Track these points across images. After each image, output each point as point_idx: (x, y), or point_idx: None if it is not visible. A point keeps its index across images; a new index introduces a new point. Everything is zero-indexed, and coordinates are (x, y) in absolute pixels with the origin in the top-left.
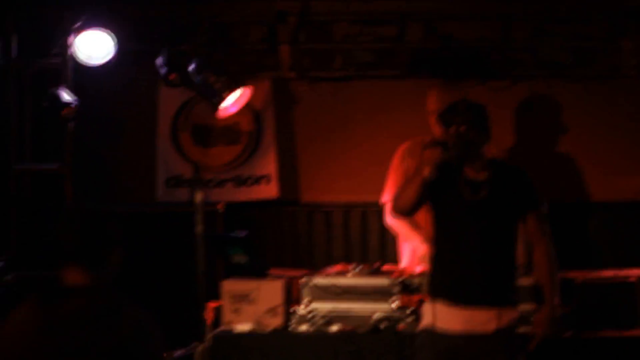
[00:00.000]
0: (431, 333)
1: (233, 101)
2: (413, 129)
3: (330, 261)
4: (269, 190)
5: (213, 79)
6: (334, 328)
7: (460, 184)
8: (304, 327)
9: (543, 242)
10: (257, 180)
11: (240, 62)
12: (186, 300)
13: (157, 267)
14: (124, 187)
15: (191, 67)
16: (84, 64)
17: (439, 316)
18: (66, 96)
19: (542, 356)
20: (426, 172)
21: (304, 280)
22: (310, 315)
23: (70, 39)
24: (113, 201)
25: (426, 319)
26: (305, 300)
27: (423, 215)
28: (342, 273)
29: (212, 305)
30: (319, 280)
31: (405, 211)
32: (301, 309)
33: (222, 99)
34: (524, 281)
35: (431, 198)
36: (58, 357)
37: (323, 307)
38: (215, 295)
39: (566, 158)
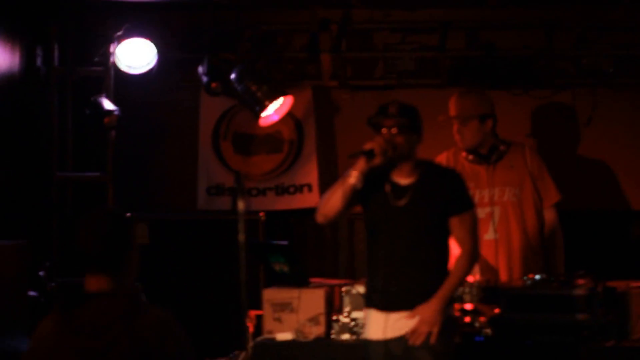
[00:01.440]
0: (366, 343)
1: (275, 110)
2: (454, 137)
3: None
4: (311, 199)
5: (255, 87)
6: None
7: (385, 189)
8: (345, 336)
9: (467, 245)
10: (299, 189)
11: (282, 70)
12: (228, 308)
13: (198, 275)
14: (166, 196)
15: (233, 76)
16: (126, 72)
17: (368, 325)
18: (108, 104)
19: None
20: (352, 180)
21: (345, 289)
22: (352, 324)
23: (113, 47)
24: (155, 209)
25: (365, 329)
26: (347, 309)
27: None
28: None
29: (253, 313)
30: (360, 289)
31: (329, 217)
32: (343, 318)
33: (264, 108)
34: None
35: (361, 203)
36: (79, 359)
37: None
38: (257, 303)
39: (609, 167)
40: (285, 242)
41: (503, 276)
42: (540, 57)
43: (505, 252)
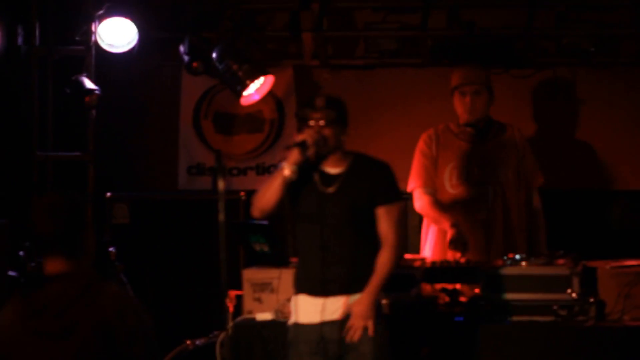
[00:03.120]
0: (297, 327)
1: (255, 89)
2: (436, 116)
3: None
4: None
5: (236, 67)
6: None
7: (315, 178)
8: None
9: (390, 239)
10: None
11: (263, 49)
12: (207, 288)
13: (178, 254)
14: (147, 175)
15: (214, 55)
16: (107, 51)
17: (301, 309)
18: (89, 83)
19: (563, 345)
20: (286, 172)
21: None
22: None
23: (93, 26)
24: (135, 189)
25: (293, 314)
26: None
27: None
28: None
29: (233, 293)
30: None
31: (266, 211)
32: None
33: (245, 87)
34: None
35: (290, 194)
36: (41, 341)
37: None
38: (237, 283)
39: (589, 146)
40: (265, 222)
41: (480, 256)
42: (521, 37)
43: (497, 233)
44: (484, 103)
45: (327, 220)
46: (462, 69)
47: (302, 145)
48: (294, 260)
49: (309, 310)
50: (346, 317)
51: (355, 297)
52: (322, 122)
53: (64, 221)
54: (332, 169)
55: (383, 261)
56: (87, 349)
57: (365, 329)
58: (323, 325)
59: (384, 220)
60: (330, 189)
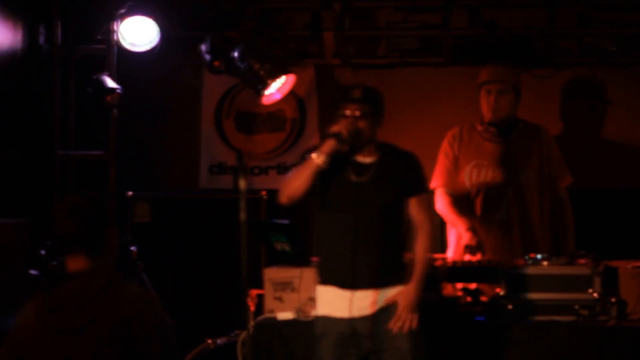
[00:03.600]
0: (325, 319)
1: (277, 88)
2: (457, 115)
3: None
4: None
5: (257, 66)
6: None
7: (348, 168)
8: None
9: (425, 228)
10: None
11: (285, 48)
12: (229, 287)
13: (200, 253)
14: (168, 174)
15: (235, 54)
16: (129, 50)
17: (329, 302)
18: (110, 83)
19: (584, 344)
20: (319, 161)
21: None
22: None
23: (115, 25)
24: (157, 188)
25: (323, 305)
26: None
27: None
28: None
29: (254, 292)
30: None
31: (294, 198)
32: None
33: (266, 86)
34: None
35: (320, 185)
36: (59, 337)
37: None
38: (258, 283)
39: (610, 145)
40: (286, 221)
41: (509, 256)
42: (542, 36)
43: (515, 232)
44: (508, 103)
45: (359, 209)
46: (491, 67)
47: (337, 137)
48: (314, 259)
49: (337, 303)
50: (379, 311)
51: (386, 291)
52: (357, 113)
53: (86, 221)
54: (364, 159)
55: (423, 249)
56: (105, 346)
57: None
58: (354, 320)
59: (418, 209)
60: (363, 178)
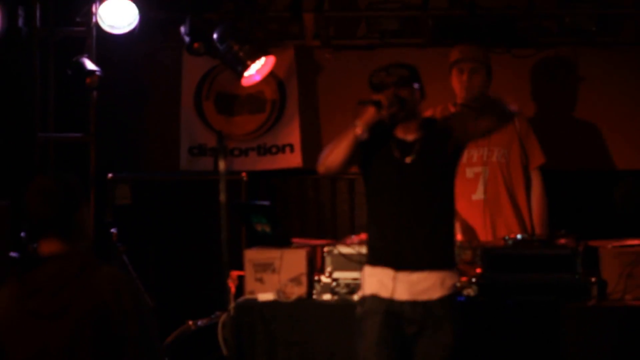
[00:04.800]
0: (372, 299)
1: (257, 70)
2: (438, 96)
3: (353, 230)
4: (293, 159)
5: (237, 47)
6: (357, 297)
7: (391, 144)
8: (326, 297)
9: None
10: (281, 149)
11: (264, 30)
12: (209, 269)
13: (181, 235)
14: (148, 156)
15: (215, 35)
16: (108, 32)
17: (384, 283)
18: (89, 65)
19: (565, 324)
20: (358, 130)
21: (326, 249)
22: (332, 285)
23: (94, 7)
24: (137, 170)
25: (371, 286)
26: (329, 269)
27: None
28: (364, 242)
29: (235, 274)
30: (342, 249)
31: (331, 169)
32: (324, 278)
33: (246, 67)
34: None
35: (361, 160)
36: (36, 321)
37: (346, 276)
38: (239, 264)
39: (591, 126)
40: (267, 203)
41: (489, 237)
42: (522, 16)
43: (492, 213)
44: (480, 81)
45: (405, 189)
46: (462, 46)
47: (377, 105)
48: (295, 240)
49: (385, 283)
50: (440, 298)
51: (436, 274)
52: (397, 83)
53: (57, 203)
54: (407, 136)
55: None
56: (82, 330)
57: (448, 316)
58: (401, 303)
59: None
60: (409, 158)
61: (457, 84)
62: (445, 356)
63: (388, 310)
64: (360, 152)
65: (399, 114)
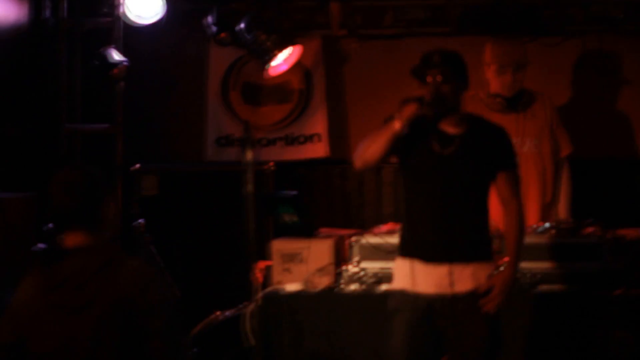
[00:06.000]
0: (407, 294)
1: (283, 59)
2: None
3: (380, 220)
4: (320, 149)
5: (263, 37)
6: (384, 287)
7: (431, 137)
8: (353, 287)
9: (513, 204)
10: (309, 138)
11: (291, 19)
12: (236, 260)
13: (208, 226)
14: (175, 147)
15: (241, 26)
16: (134, 23)
17: (415, 276)
18: (116, 56)
19: (591, 313)
20: (397, 125)
21: (353, 239)
22: (359, 275)
23: None
24: (164, 161)
25: (401, 279)
26: (356, 258)
27: None
28: (391, 232)
29: (262, 265)
30: (369, 239)
31: (369, 163)
32: (351, 268)
33: (273, 57)
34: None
35: (400, 152)
36: (61, 314)
37: (373, 266)
38: (265, 255)
39: (620, 114)
40: (294, 193)
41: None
42: (549, 4)
43: (532, 202)
44: (522, 78)
45: (443, 182)
46: (502, 46)
47: (419, 101)
48: (322, 230)
49: (416, 277)
50: (473, 291)
51: (470, 267)
52: (439, 78)
53: (82, 195)
54: (451, 129)
55: (514, 229)
56: (107, 323)
57: (479, 308)
58: (432, 297)
59: (505, 186)
60: (448, 150)
61: (497, 82)
62: (478, 348)
63: (416, 305)
64: (400, 144)
65: (440, 110)
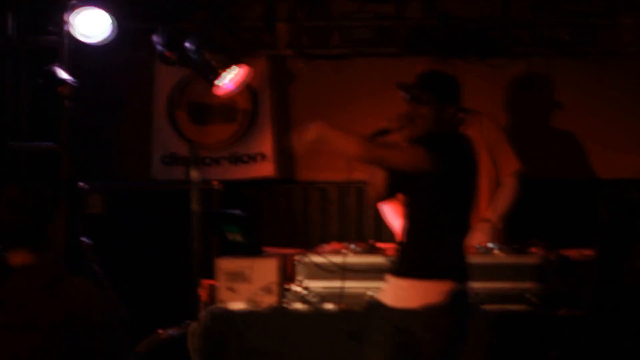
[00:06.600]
0: (374, 304)
1: (230, 79)
2: None
3: (325, 239)
4: (265, 169)
5: (210, 57)
6: (329, 306)
7: None
8: (298, 305)
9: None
10: (253, 157)
11: (238, 39)
12: (181, 278)
13: (152, 244)
14: (121, 165)
15: (188, 45)
16: (82, 41)
17: (385, 290)
18: (62, 74)
19: (536, 333)
20: None
21: (298, 257)
22: (304, 293)
23: (68, 16)
24: (110, 179)
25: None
26: (300, 277)
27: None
28: (337, 251)
29: (206, 283)
30: (314, 258)
31: (381, 195)
32: (296, 287)
33: (219, 77)
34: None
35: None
36: (4, 333)
37: (318, 285)
38: (210, 273)
39: (565, 135)
40: (239, 212)
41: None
42: (496, 26)
43: None
44: None
45: (408, 197)
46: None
47: (383, 134)
48: (267, 249)
49: (390, 291)
50: (423, 308)
51: (433, 285)
52: (414, 100)
53: (27, 213)
54: None
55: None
56: (50, 342)
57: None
58: (399, 311)
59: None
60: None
61: None
62: None
63: (381, 317)
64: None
65: (413, 131)
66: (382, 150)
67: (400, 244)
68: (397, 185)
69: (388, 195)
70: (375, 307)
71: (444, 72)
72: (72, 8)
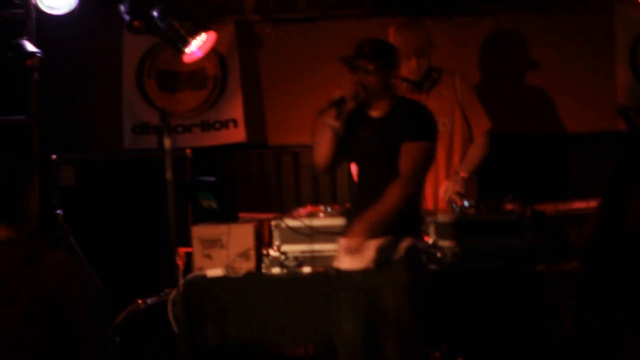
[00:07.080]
0: (338, 271)
1: (198, 46)
2: None
3: (299, 203)
4: (237, 134)
5: (177, 24)
6: (306, 270)
7: (358, 125)
8: (276, 270)
9: (403, 174)
10: (224, 124)
11: (204, 6)
12: (157, 247)
13: (127, 214)
14: (92, 136)
15: (155, 13)
16: (48, 13)
17: (340, 254)
18: (30, 46)
19: (513, 289)
20: (335, 125)
21: (274, 222)
22: (281, 258)
23: None
24: (81, 151)
25: (336, 258)
26: (277, 242)
27: None
28: (312, 214)
29: (183, 251)
30: (290, 222)
31: (326, 165)
32: (273, 252)
33: (187, 44)
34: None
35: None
36: None
37: (294, 249)
38: (187, 241)
39: (536, 91)
40: (212, 179)
41: (431, 205)
42: None
43: (432, 182)
44: (427, 61)
45: (364, 164)
46: (403, 34)
47: (339, 103)
48: (242, 215)
49: (344, 255)
50: (374, 268)
51: (388, 242)
52: (370, 67)
53: (1, 189)
54: (375, 113)
55: (391, 192)
56: (32, 317)
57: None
58: (357, 272)
59: (405, 157)
60: (367, 134)
61: (402, 67)
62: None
63: (345, 281)
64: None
65: (365, 100)
66: (411, 173)
67: (353, 205)
68: (346, 154)
69: (334, 163)
70: (337, 276)
71: (382, 39)
72: None
